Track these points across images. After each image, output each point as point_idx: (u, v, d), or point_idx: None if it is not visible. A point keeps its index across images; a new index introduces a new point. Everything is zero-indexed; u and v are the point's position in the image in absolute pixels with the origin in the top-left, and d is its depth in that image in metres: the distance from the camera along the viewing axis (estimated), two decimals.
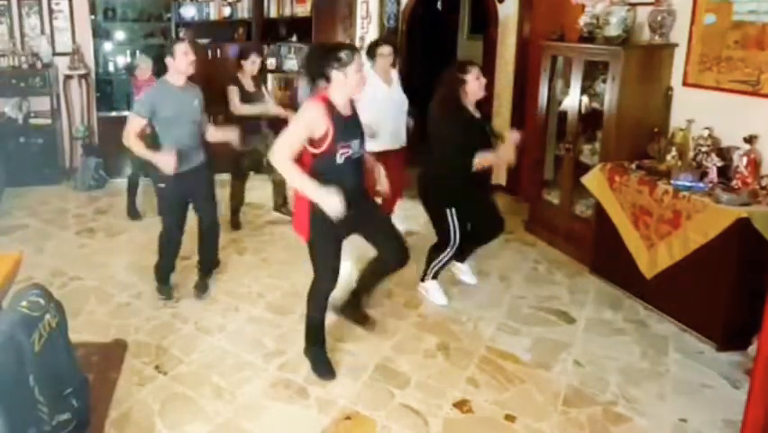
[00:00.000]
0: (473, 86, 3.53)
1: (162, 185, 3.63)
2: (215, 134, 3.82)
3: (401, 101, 4.55)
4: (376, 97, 4.47)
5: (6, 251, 3.88)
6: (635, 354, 3.24)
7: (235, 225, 5.04)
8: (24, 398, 1.93)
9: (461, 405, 2.82)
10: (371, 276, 3.20)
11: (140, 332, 3.43)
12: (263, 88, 5.12)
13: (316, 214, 2.79)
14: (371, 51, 4.42)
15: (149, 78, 5.19)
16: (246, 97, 4.81)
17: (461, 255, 3.93)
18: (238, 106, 4.76)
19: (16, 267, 2.65)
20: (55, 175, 6.18)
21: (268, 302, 3.78)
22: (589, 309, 3.72)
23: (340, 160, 2.78)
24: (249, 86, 4.88)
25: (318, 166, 2.79)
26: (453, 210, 3.61)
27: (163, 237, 3.77)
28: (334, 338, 3.29)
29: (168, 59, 3.56)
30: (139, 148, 3.51)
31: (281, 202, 5.21)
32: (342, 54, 2.76)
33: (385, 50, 4.41)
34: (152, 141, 3.65)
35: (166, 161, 3.45)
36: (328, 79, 2.78)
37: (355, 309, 3.31)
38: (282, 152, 2.74)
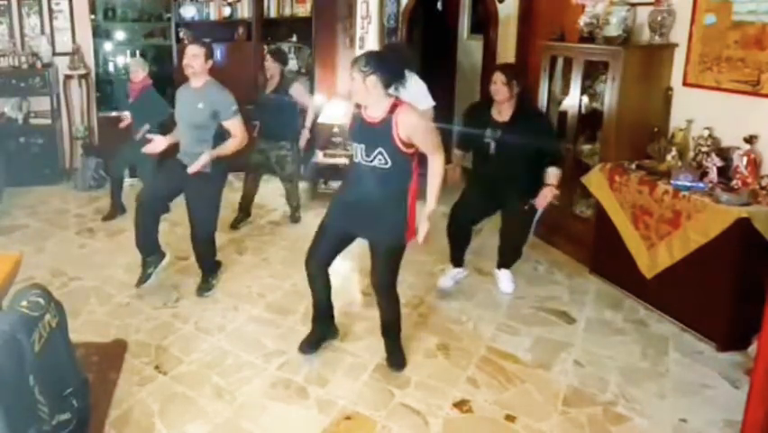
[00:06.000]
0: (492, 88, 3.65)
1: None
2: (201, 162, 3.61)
3: None
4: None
5: (6, 251, 3.90)
6: (635, 354, 3.24)
7: (246, 217, 5.08)
8: (24, 398, 1.93)
9: (461, 405, 2.82)
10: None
11: (140, 332, 3.42)
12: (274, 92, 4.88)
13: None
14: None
15: (143, 80, 5.17)
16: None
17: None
18: None
19: (16, 267, 2.66)
20: (55, 175, 6.17)
21: (268, 302, 3.78)
22: (589, 309, 3.72)
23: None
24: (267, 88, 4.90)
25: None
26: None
27: (137, 199, 3.79)
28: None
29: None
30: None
31: (296, 206, 5.17)
32: None
33: None
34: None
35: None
36: (402, 84, 2.80)
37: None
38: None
